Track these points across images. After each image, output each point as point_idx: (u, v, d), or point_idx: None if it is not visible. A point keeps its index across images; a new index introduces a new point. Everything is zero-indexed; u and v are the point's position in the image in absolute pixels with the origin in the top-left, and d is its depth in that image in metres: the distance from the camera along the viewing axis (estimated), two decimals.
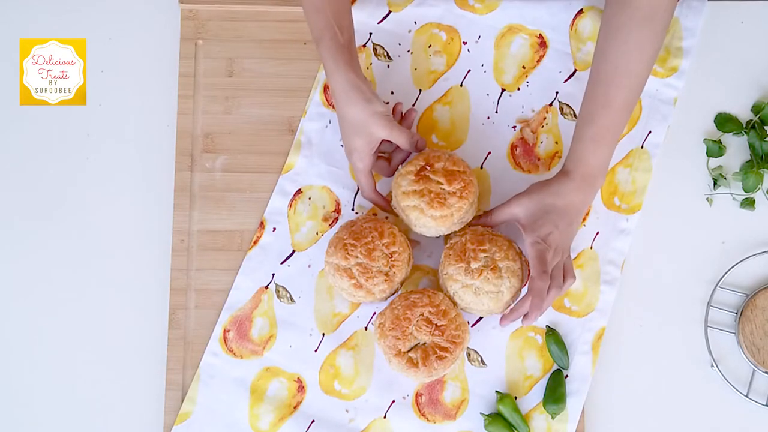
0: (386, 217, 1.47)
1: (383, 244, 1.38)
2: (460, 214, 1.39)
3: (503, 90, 1.51)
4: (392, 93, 1.51)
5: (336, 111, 1.39)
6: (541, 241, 1.33)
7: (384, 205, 1.45)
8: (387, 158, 1.47)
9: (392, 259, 1.38)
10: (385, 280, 1.38)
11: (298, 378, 1.44)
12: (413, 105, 1.51)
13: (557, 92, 1.50)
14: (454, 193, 1.39)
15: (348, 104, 1.36)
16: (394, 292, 1.41)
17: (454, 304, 1.38)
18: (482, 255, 1.37)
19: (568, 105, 1.50)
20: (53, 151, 1.52)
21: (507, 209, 1.38)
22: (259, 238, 1.47)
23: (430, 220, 1.39)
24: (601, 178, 1.37)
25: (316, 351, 1.45)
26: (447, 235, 1.47)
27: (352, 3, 1.52)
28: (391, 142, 1.41)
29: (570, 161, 1.36)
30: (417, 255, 1.47)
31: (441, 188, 1.39)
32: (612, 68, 1.33)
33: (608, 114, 1.34)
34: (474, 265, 1.37)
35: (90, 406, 1.46)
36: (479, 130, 1.50)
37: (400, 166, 1.42)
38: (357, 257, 1.38)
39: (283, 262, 1.47)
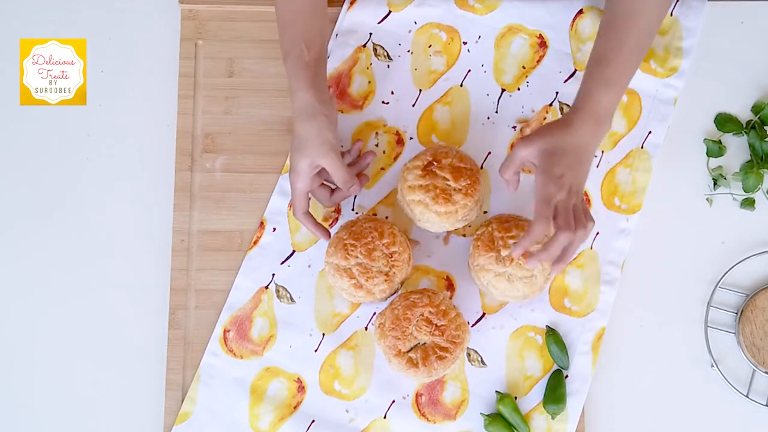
0: (386, 217, 1.47)
1: (383, 244, 1.38)
2: (465, 211, 1.40)
3: (503, 90, 1.51)
4: (392, 93, 1.51)
5: (292, 127, 1.38)
6: (553, 183, 1.27)
7: (313, 230, 1.41)
8: (333, 189, 1.45)
9: (392, 259, 1.38)
10: (385, 280, 1.38)
11: (298, 378, 1.44)
12: (413, 105, 1.51)
13: (557, 92, 1.50)
14: (460, 189, 1.39)
15: (301, 122, 1.36)
16: (394, 292, 1.41)
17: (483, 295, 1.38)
18: (511, 242, 1.37)
19: (568, 105, 1.50)
20: (53, 151, 1.52)
21: (517, 154, 1.31)
22: (259, 238, 1.47)
23: (434, 216, 1.39)
24: (609, 121, 1.33)
25: (316, 351, 1.45)
26: (449, 232, 1.47)
27: (353, 3, 1.52)
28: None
29: (580, 100, 1.32)
30: (417, 255, 1.47)
31: (447, 184, 1.39)
32: (625, 10, 1.32)
33: (621, 55, 1.32)
34: (504, 252, 1.37)
35: (90, 406, 1.46)
36: (479, 130, 1.50)
37: (407, 161, 1.42)
38: (357, 257, 1.38)
39: (283, 263, 1.47)
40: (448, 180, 1.39)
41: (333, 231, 1.45)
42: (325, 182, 1.43)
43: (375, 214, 1.48)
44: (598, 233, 1.47)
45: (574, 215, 1.28)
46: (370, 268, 1.38)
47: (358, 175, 1.45)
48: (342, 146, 1.48)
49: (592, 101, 1.31)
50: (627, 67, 1.33)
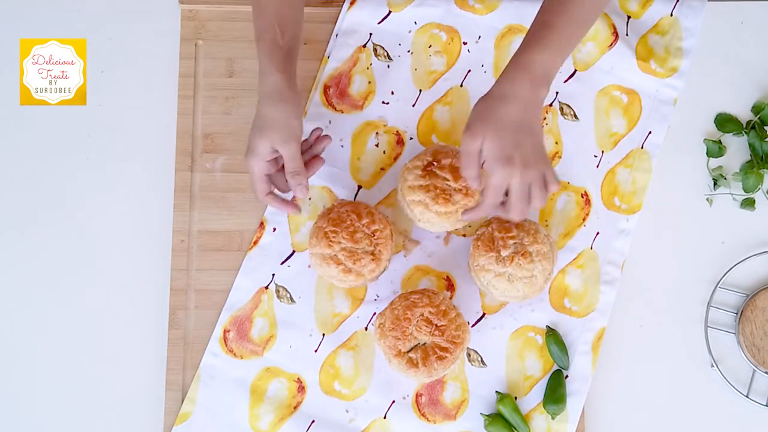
0: (386, 217, 1.46)
1: (363, 225, 1.38)
2: None
3: None
4: (392, 93, 1.51)
5: (256, 108, 1.37)
6: (500, 172, 1.23)
7: (281, 207, 1.40)
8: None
9: (375, 237, 1.39)
10: (372, 260, 1.38)
11: (298, 378, 1.44)
12: (413, 105, 1.51)
13: (557, 92, 1.50)
14: (460, 190, 1.39)
15: (265, 105, 1.35)
16: (384, 270, 1.41)
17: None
18: (511, 242, 1.37)
19: (568, 105, 1.50)
20: (53, 151, 1.52)
21: (467, 152, 1.25)
22: (259, 238, 1.47)
23: (434, 216, 1.39)
24: (546, 85, 1.26)
25: (316, 351, 1.45)
26: (449, 232, 1.47)
27: (353, 3, 1.52)
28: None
29: (513, 62, 1.27)
30: (417, 255, 1.47)
31: (447, 184, 1.39)
32: None
33: (562, 19, 1.26)
34: (504, 252, 1.37)
35: (90, 406, 1.46)
36: None
37: (407, 161, 1.42)
38: (340, 242, 1.38)
39: (283, 263, 1.47)
40: (449, 180, 1.39)
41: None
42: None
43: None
44: (598, 233, 1.47)
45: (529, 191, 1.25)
46: (355, 251, 1.38)
47: (314, 158, 1.43)
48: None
49: (526, 59, 1.26)
50: (566, 31, 1.27)
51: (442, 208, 1.39)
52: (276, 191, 1.40)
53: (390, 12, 1.52)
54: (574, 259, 1.46)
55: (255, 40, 1.37)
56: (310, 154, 1.43)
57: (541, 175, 1.25)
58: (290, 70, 1.36)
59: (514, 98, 1.25)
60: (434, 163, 1.40)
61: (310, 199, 1.48)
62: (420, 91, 1.51)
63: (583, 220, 1.47)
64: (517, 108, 1.25)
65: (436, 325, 1.35)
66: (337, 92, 1.51)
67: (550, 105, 1.50)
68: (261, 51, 1.36)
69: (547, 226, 1.47)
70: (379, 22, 1.52)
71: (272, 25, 1.36)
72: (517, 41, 1.51)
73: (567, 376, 1.44)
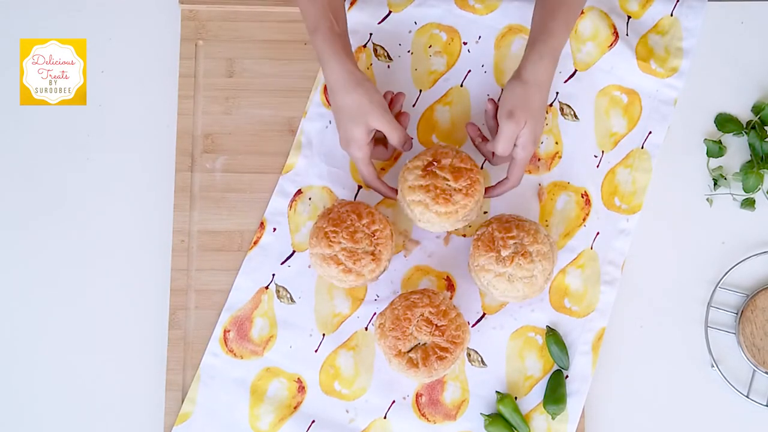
0: (387, 217, 1.46)
1: (363, 225, 1.38)
2: (465, 211, 1.39)
3: (503, 90, 1.50)
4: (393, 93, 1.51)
5: (331, 101, 1.38)
6: (532, 150, 1.37)
7: (388, 194, 1.44)
8: (383, 142, 1.46)
9: (375, 237, 1.38)
10: (372, 260, 1.38)
11: (299, 378, 1.44)
12: (413, 105, 1.51)
13: (557, 92, 1.50)
14: (460, 190, 1.39)
15: (345, 93, 1.36)
16: (384, 270, 1.41)
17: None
18: (511, 242, 1.37)
19: (568, 105, 1.50)
20: (53, 151, 1.52)
21: (506, 143, 1.37)
22: (259, 238, 1.47)
23: (434, 216, 1.39)
24: (547, 89, 1.38)
25: (316, 351, 1.45)
26: (449, 232, 1.47)
27: (353, 3, 1.52)
28: None
29: (526, 71, 1.36)
30: (417, 255, 1.47)
31: (447, 185, 1.39)
32: None
33: (562, 31, 1.37)
34: (504, 252, 1.37)
35: (90, 406, 1.46)
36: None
37: (407, 161, 1.42)
38: (340, 242, 1.38)
39: (283, 263, 1.47)
40: (449, 180, 1.39)
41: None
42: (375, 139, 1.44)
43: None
44: (598, 233, 1.47)
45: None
46: (355, 251, 1.38)
47: (399, 114, 1.45)
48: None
49: (556, 41, 1.37)
50: (563, 42, 1.38)
51: (442, 208, 1.39)
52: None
53: (390, 12, 1.52)
54: (574, 259, 1.46)
55: (310, 32, 1.37)
56: (395, 113, 1.45)
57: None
58: (351, 52, 1.38)
59: (544, 85, 1.36)
60: (434, 163, 1.40)
61: (310, 199, 1.48)
62: (420, 91, 1.51)
63: (583, 220, 1.47)
64: (545, 94, 1.37)
65: (436, 325, 1.35)
66: None
67: (550, 105, 1.50)
68: (321, 41, 1.36)
69: (547, 226, 1.47)
70: (380, 22, 1.52)
71: (326, 14, 1.36)
72: (517, 41, 1.51)
73: (567, 376, 1.44)
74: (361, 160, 1.40)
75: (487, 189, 1.43)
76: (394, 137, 1.39)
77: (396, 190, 1.43)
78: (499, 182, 1.43)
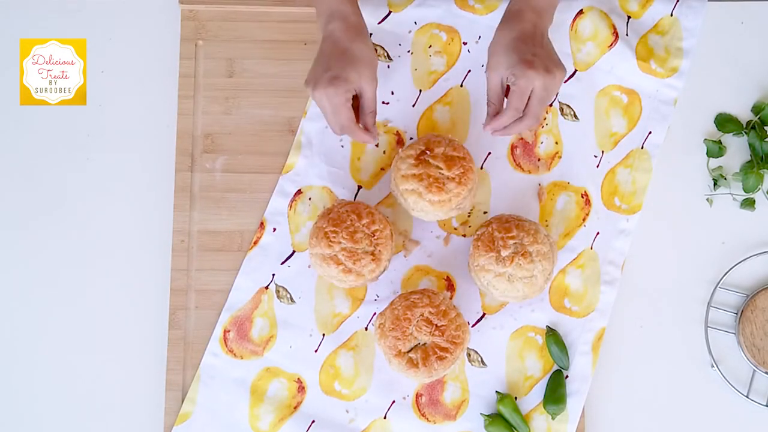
0: (387, 217, 1.46)
1: (363, 225, 1.38)
2: (459, 200, 1.40)
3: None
4: (392, 93, 1.51)
5: (328, 31, 1.35)
6: (524, 73, 1.30)
7: (363, 137, 1.37)
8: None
9: (375, 237, 1.39)
10: (372, 260, 1.38)
11: (299, 378, 1.44)
12: (413, 105, 1.51)
13: (557, 93, 1.50)
14: (453, 178, 1.39)
15: (358, 40, 1.35)
16: (384, 270, 1.41)
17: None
18: (511, 242, 1.37)
19: (568, 105, 1.50)
20: (53, 151, 1.52)
21: (492, 81, 1.34)
22: (259, 238, 1.47)
23: (427, 205, 1.39)
24: (550, 14, 1.36)
25: (316, 351, 1.45)
26: (449, 232, 1.47)
27: None
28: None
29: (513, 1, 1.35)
30: (417, 255, 1.47)
31: (440, 173, 1.39)
32: None
33: None
34: (504, 252, 1.37)
35: (90, 406, 1.46)
36: (479, 131, 1.50)
37: (400, 150, 1.42)
38: (340, 243, 1.38)
39: (283, 263, 1.47)
40: (442, 169, 1.39)
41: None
42: None
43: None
44: (598, 233, 1.47)
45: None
46: (355, 251, 1.38)
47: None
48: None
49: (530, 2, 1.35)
50: None
51: (436, 196, 1.39)
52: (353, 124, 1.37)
53: (390, 12, 1.52)
54: (574, 259, 1.46)
55: None
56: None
57: (556, 86, 1.33)
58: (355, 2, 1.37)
59: (521, 20, 1.33)
60: (427, 151, 1.40)
61: (310, 199, 1.48)
62: (420, 91, 1.51)
63: (583, 220, 1.47)
64: (525, 26, 1.33)
65: (436, 325, 1.35)
66: None
67: (550, 105, 1.50)
68: None
69: (547, 226, 1.47)
70: (379, 22, 1.52)
71: None
72: None
73: (567, 376, 1.44)
74: (343, 104, 1.33)
75: (486, 123, 1.37)
76: (368, 104, 1.36)
77: (373, 132, 1.39)
78: (515, 120, 1.36)
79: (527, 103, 1.33)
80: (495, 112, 1.36)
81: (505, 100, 1.36)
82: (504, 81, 1.34)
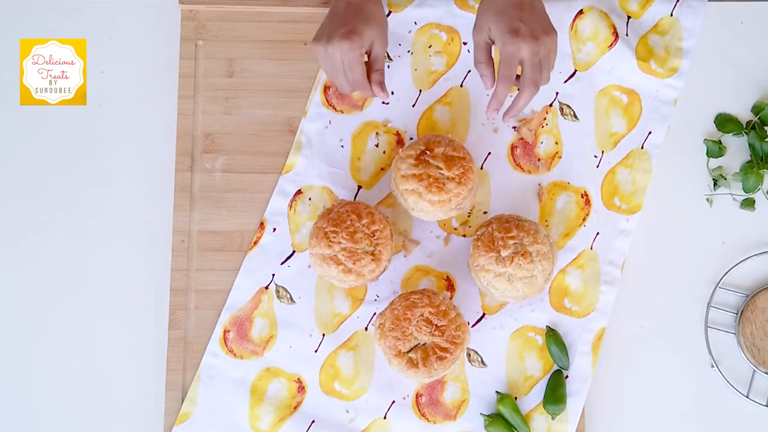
0: (386, 217, 1.46)
1: (363, 225, 1.38)
2: (459, 200, 1.40)
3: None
4: (392, 93, 1.51)
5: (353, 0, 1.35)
6: (511, 43, 1.28)
7: (378, 91, 1.39)
8: None
9: (375, 237, 1.39)
10: (372, 260, 1.38)
11: (299, 378, 1.44)
12: (413, 105, 1.51)
13: (557, 93, 1.50)
14: (453, 178, 1.39)
15: (371, 1, 1.35)
16: (384, 270, 1.41)
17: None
18: (511, 242, 1.37)
19: (568, 105, 1.50)
20: (53, 151, 1.52)
21: (478, 42, 1.33)
22: (259, 238, 1.47)
23: (427, 205, 1.39)
24: None
25: (316, 351, 1.45)
26: (449, 232, 1.47)
27: None
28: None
29: None
30: (417, 255, 1.47)
31: (440, 173, 1.39)
32: None
33: None
34: (504, 252, 1.37)
35: (90, 406, 1.46)
36: (479, 131, 1.50)
37: (400, 150, 1.42)
38: (340, 243, 1.38)
39: (283, 263, 1.47)
40: (442, 169, 1.39)
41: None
42: None
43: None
44: (598, 233, 1.47)
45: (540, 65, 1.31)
46: (355, 251, 1.38)
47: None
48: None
49: None
50: None
51: (436, 196, 1.39)
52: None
53: (390, 12, 1.52)
54: (574, 259, 1.46)
55: None
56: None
57: (549, 51, 1.31)
58: None
59: None
60: (427, 151, 1.40)
61: (310, 199, 1.48)
62: (420, 91, 1.51)
63: (583, 220, 1.47)
64: None
65: (436, 325, 1.35)
66: (338, 92, 1.51)
67: (550, 105, 1.50)
68: None
69: (547, 226, 1.47)
70: None
71: None
72: None
73: (567, 377, 1.44)
74: (357, 58, 1.34)
75: (489, 106, 1.36)
76: (378, 63, 1.37)
77: (382, 87, 1.39)
78: (515, 98, 1.36)
79: (522, 73, 1.32)
80: (490, 76, 1.35)
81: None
82: (489, 41, 1.33)
